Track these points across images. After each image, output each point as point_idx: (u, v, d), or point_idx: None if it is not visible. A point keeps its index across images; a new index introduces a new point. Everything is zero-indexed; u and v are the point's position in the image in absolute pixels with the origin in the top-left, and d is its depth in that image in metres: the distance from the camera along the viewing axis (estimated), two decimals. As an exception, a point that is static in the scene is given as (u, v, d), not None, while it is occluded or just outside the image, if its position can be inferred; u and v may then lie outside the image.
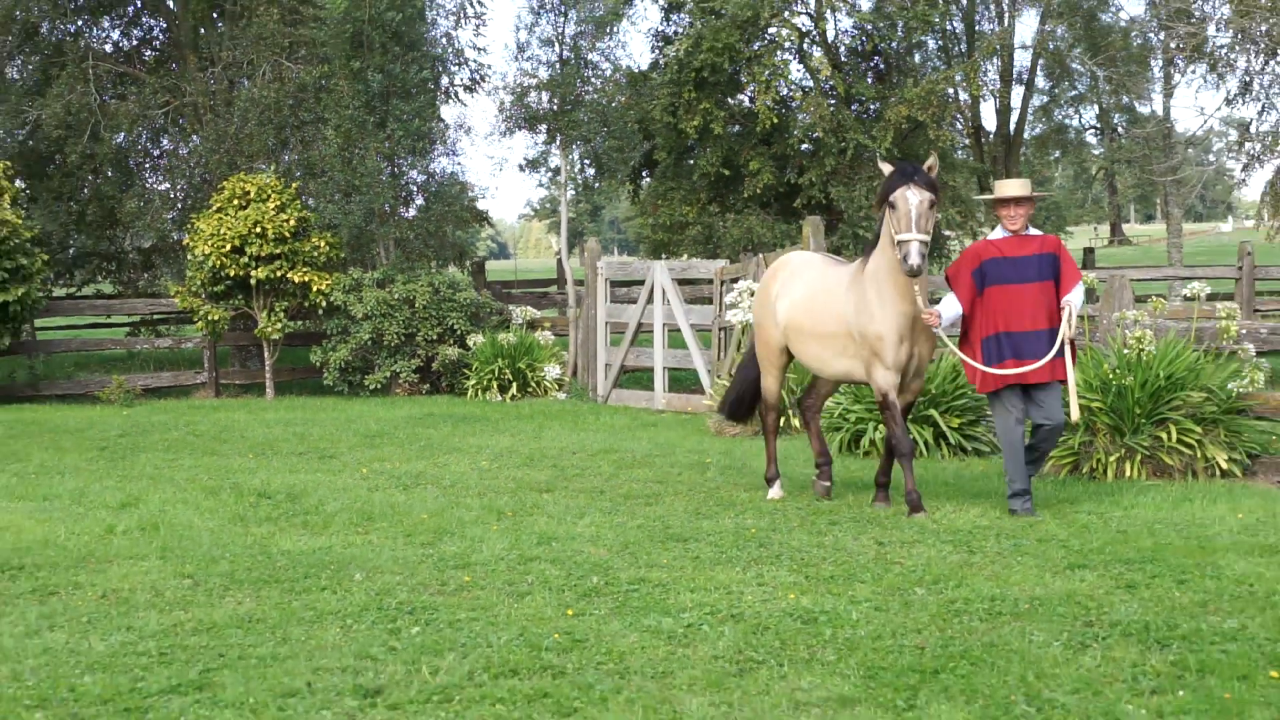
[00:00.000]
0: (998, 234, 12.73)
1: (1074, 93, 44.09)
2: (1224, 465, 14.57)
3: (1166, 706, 7.52)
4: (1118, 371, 14.97)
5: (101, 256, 36.24)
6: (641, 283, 24.42)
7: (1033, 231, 12.77)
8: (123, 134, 33.89)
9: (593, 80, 34.46)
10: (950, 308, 12.72)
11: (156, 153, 35.79)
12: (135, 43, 36.43)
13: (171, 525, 12.84)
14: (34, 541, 12.24)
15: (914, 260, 11.82)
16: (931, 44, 39.54)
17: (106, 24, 35.93)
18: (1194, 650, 8.53)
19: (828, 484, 14.26)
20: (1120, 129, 44.12)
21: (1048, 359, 12.22)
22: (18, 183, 29.97)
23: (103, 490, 14.90)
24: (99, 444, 19.65)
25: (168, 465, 17.16)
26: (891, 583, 10.37)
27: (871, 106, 36.69)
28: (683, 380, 23.96)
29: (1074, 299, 12.36)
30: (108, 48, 35.48)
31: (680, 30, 37.24)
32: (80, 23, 34.94)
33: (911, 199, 12.33)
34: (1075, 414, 12.34)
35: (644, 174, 38.96)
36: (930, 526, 12.43)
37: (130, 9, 35.73)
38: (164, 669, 8.57)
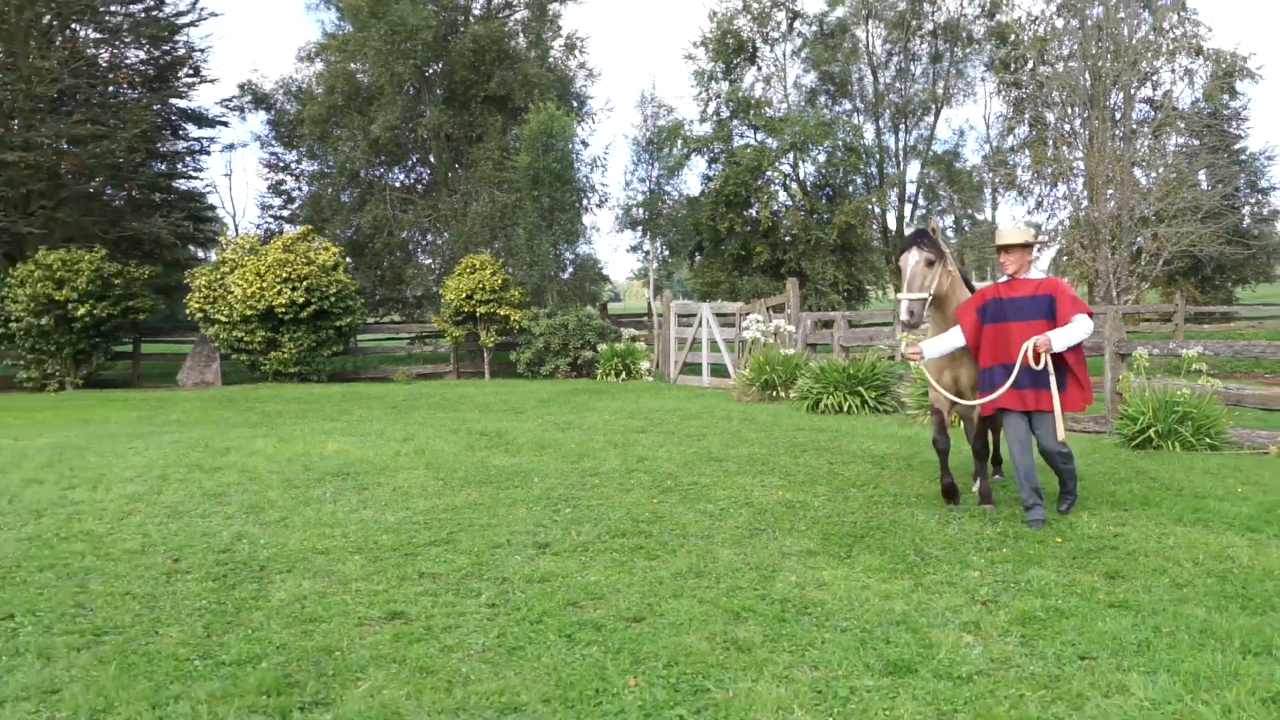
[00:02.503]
0: (1004, 278, 9.03)
1: (939, 206, 43.60)
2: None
3: (997, 558, 7.43)
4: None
5: (394, 300, 36.45)
6: (694, 315, 24.38)
7: (1034, 275, 8.86)
8: (405, 232, 34.11)
9: (666, 201, 34.57)
10: (942, 343, 8.96)
11: (424, 242, 36.02)
12: (412, 180, 36.61)
13: (431, 450, 12.89)
14: (356, 459, 12.31)
15: (902, 316, 8.70)
16: (859, 180, 39.21)
17: (396, 170, 36.12)
18: (1012, 525, 8.44)
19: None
20: (966, 228, 43.62)
21: (1003, 389, 8.50)
22: (348, 259, 30.21)
23: (393, 430, 14.99)
24: (391, 405, 19.77)
25: (430, 417, 17.24)
26: (837, 485, 10.30)
27: (825, 215, 36.48)
28: (718, 370, 23.86)
29: (1056, 333, 8.40)
30: (396, 183, 35.66)
31: (716, 173, 37.24)
32: (382, 170, 35.14)
33: (908, 262, 8.99)
34: (1060, 435, 8.52)
35: (696, 253, 38.90)
36: (858, 452, 12.32)
37: (410, 161, 35.91)
38: (427, 531, 8.64)
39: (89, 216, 28.98)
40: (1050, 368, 8.40)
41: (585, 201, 30.02)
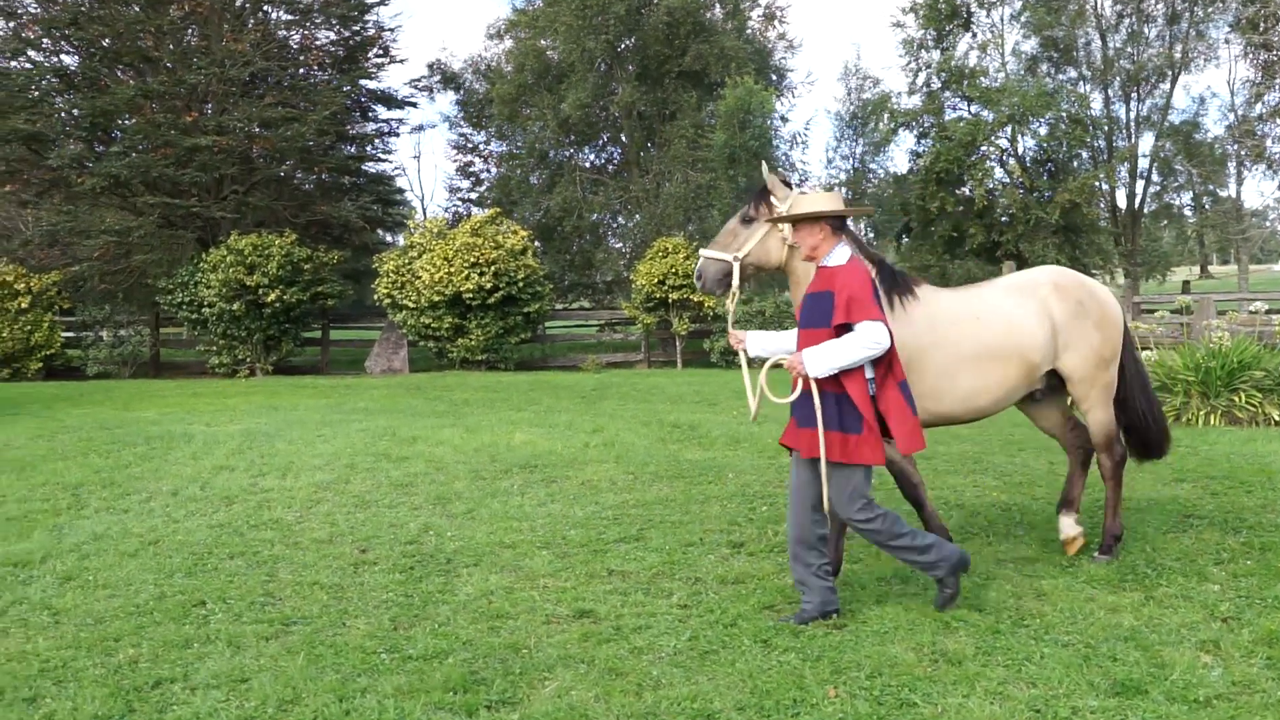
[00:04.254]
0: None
1: (1176, 183, 41.80)
2: (1277, 418, 13.77)
3: (1239, 570, 7.10)
4: (1205, 357, 14.42)
5: (583, 286, 36.97)
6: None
7: (834, 261, 6.27)
8: (595, 215, 34.55)
9: (871, 179, 34.12)
10: (775, 341, 6.62)
11: (614, 225, 36.44)
12: (603, 160, 37.06)
13: (621, 443, 13.02)
14: (543, 450, 12.53)
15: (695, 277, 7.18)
16: (1085, 154, 37.87)
17: (587, 150, 36.61)
18: (1257, 535, 8.05)
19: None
20: (1206, 206, 41.71)
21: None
22: (536, 243, 30.76)
23: (582, 422, 15.18)
24: (579, 395, 20.03)
25: (619, 408, 17.41)
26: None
27: (1046, 193, 35.39)
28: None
29: (813, 351, 6.07)
30: (586, 164, 36.14)
31: (925, 148, 36.53)
32: (571, 150, 35.66)
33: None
34: (825, 498, 6.11)
35: (903, 236, 38.25)
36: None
37: (601, 140, 36.35)
38: (616, 528, 8.74)
39: (279, 201, 30.26)
40: (816, 399, 6.13)
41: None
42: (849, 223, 6.57)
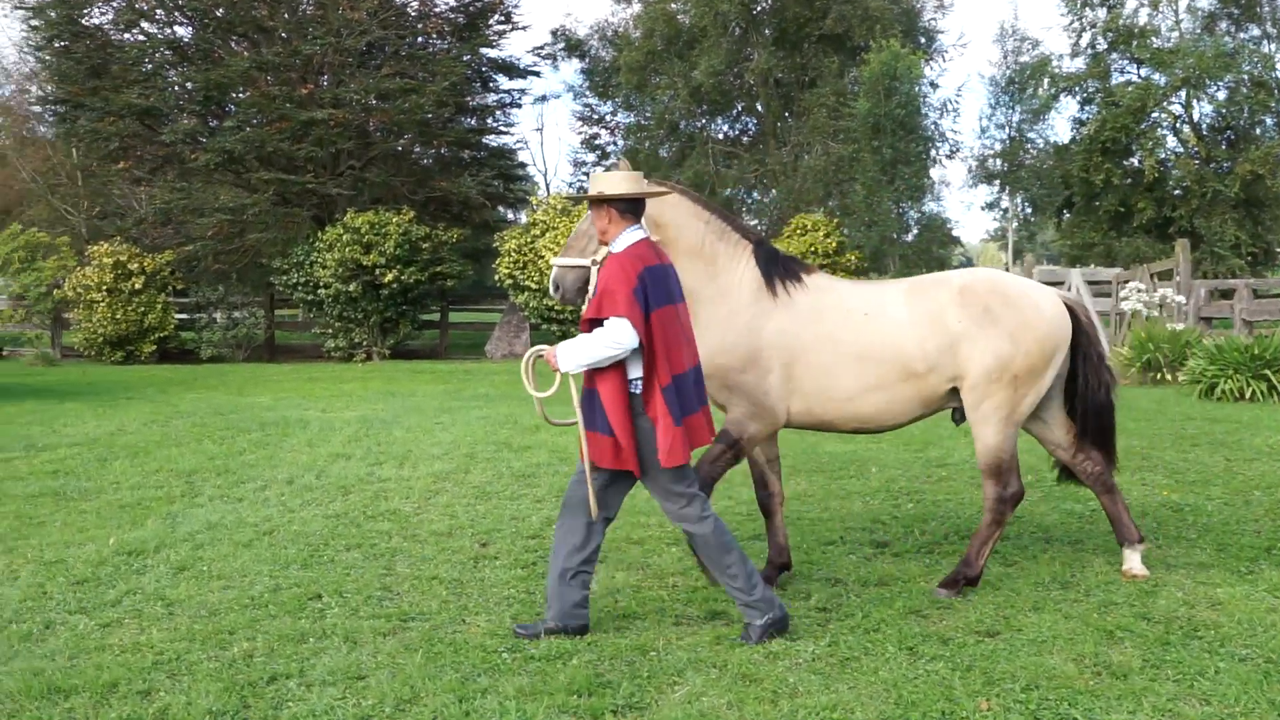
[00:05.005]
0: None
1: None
2: None
3: None
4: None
5: (715, 266, 36.87)
6: (1062, 283, 23.54)
7: (618, 247, 6.14)
8: (729, 189, 34.51)
9: (1029, 149, 33.53)
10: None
11: (749, 201, 36.34)
12: (737, 131, 36.99)
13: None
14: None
15: (550, 289, 6.37)
16: (1270, 120, 36.64)
17: (720, 120, 36.56)
18: None
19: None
20: None
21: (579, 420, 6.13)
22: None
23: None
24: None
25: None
26: (1237, 487, 9.73)
27: (1225, 164, 34.36)
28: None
29: (567, 345, 6.07)
30: (719, 135, 36.10)
31: (1089, 116, 35.70)
32: (703, 120, 35.64)
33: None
34: (592, 509, 6.06)
35: (1064, 211, 37.47)
36: (1263, 448, 11.59)
37: (735, 110, 36.26)
38: (751, 524, 8.75)
39: (397, 176, 30.77)
40: (574, 395, 6.17)
41: (933, 152, 29.54)
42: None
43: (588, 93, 41.35)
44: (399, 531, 8.70)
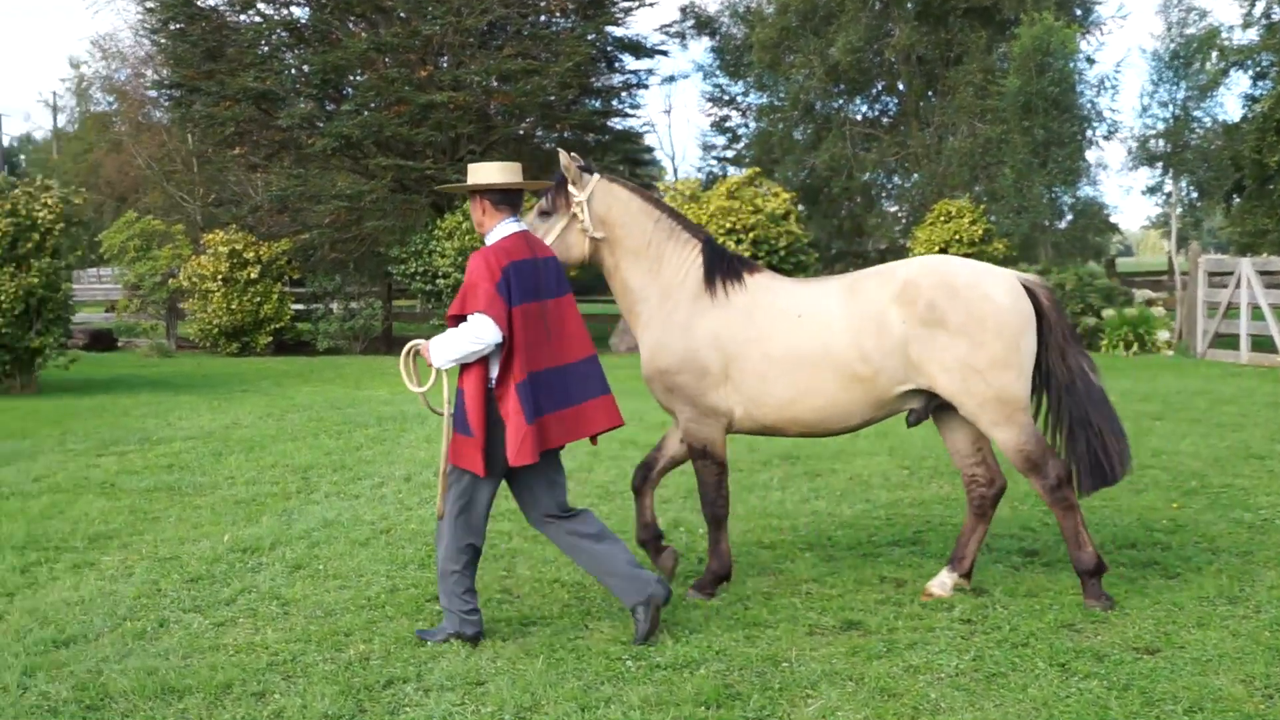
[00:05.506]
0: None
1: None
2: None
3: None
4: None
5: (853, 255, 36.68)
6: (1231, 273, 22.98)
7: (490, 240, 6.55)
8: (867, 174, 34.25)
9: (1195, 129, 32.75)
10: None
11: (889, 186, 36.05)
12: (876, 112, 36.69)
13: (895, 433, 12.88)
14: (806, 440, 12.51)
15: None
16: None
17: (858, 100, 36.30)
18: None
19: None
20: None
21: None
22: (800, 207, 30.70)
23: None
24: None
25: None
26: None
27: None
28: (1262, 343, 22.32)
29: (436, 340, 6.39)
30: (858, 116, 35.85)
31: (1263, 92, 34.74)
32: (840, 100, 35.41)
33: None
34: (439, 509, 6.39)
35: (1234, 196, 36.51)
36: None
37: (874, 89, 35.98)
38: (890, 529, 8.71)
39: (518, 161, 31.01)
40: (445, 391, 6.40)
41: (1089, 133, 29.00)
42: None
43: (718, 72, 41.30)
44: (519, 532, 8.79)
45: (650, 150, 46.15)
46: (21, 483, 11.03)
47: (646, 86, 34.81)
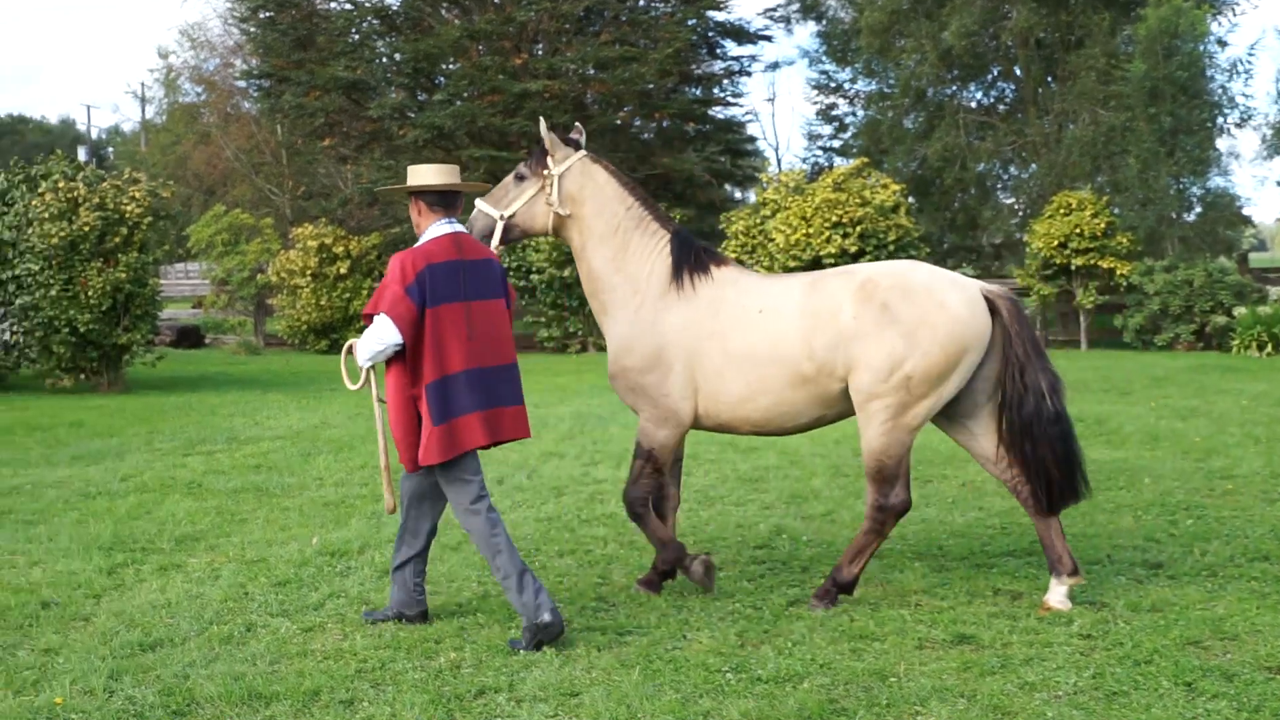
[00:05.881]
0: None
1: None
2: None
3: None
4: None
5: (966, 249, 36.35)
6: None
7: (421, 240, 6.93)
8: (982, 164, 33.92)
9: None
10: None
11: (1005, 177, 35.66)
12: (992, 99, 36.29)
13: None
14: (916, 443, 12.38)
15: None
16: None
17: (972, 87, 35.94)
18: None
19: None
20: None
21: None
22: (910, 199, 30.47)
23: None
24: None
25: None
26: None
27: None
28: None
29: (361, 339, 6.82)
30: (972, 104, 35.49)
31: None
32: (954, 87, 35.08)
33: None
34: (387, 504, 6.89)
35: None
36: None
37: (990, 75, 35.61)
38: (1004, 538, 8.66)
39: (615, 152, 31.10)
40: (373, 389, 7.04)
41: (1220, 120, 28.43)
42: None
43: (824, 58, 41.02)
44: (615, 537, 8.82)
45: (753, 140, 46.05)
46: (109, 482, 11.29)
47: (749, 74, 34.82)
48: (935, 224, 33.97)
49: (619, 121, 32.25)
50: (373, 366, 6.80)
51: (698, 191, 32.37)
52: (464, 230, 6.91)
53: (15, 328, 19.40)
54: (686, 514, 9.51)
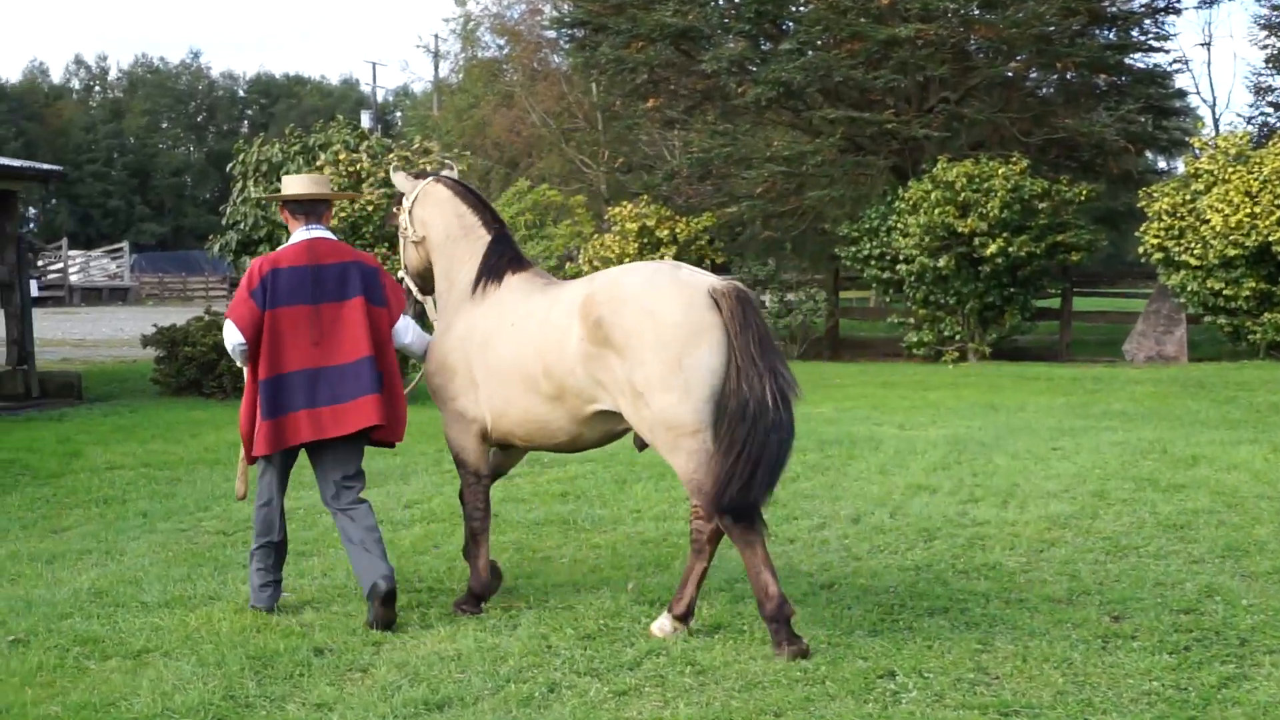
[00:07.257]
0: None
1: None
2: None
3: None
4: None
5: None
6: None
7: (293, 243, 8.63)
8: None
9: None
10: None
11: None
12: None
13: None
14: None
15: None
16: None
17: None
18: None
19: None
20: None
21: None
22: None
23: None
24: None
25: None
26: None
27: None
28: None
29: None
30: None
31: None
32: None
33: None
34: (239, 490, 9.00)
35: None
36: None
37: None
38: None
39: (1004, 112, 30.65)
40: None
41: None
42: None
43: (1277, -10, 39.66)
44: (1000, 594, 8.69)
45: (1182, 95, 44.65)
46: (392, 509, 11.73)
47: (1178, 11, 33.63)
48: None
49: (1009, 74, 31.78)
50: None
51: (1110, 160, 31.57)
52: (326, 236, 8.56)
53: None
54: (1091, 566, 9.29)
